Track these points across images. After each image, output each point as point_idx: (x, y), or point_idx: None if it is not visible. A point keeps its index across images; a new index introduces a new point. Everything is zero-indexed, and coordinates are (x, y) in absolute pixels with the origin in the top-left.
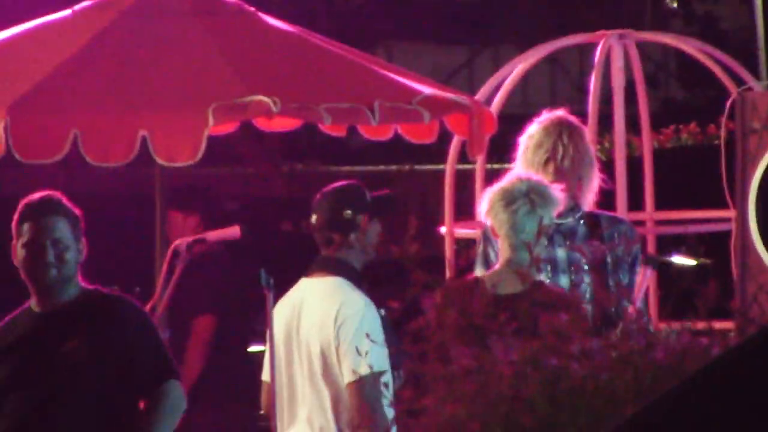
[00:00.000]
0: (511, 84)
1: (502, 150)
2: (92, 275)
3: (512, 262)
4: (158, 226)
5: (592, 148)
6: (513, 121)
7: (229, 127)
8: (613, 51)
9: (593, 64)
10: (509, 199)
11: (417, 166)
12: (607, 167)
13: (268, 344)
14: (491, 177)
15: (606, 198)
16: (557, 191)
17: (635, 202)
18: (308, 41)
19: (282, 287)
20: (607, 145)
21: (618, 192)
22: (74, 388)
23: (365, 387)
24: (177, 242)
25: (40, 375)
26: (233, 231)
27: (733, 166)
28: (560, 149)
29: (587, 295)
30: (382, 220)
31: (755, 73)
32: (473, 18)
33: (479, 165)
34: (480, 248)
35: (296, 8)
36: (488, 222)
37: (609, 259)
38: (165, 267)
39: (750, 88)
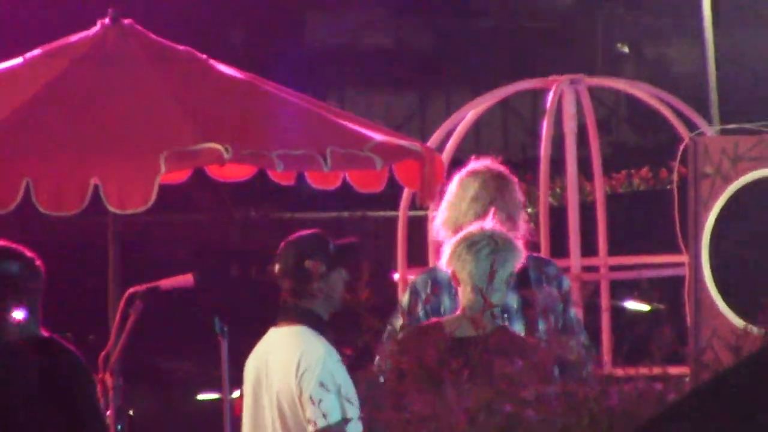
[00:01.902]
0: (463, 129)
1: None
2: (47, 322)
3: (472, 308)
4: (111, 273)
5: (521, 195)
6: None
7: (181, 176)
8: (565, 96)
9: (545, 108)
10: (471, 241)
11: (369, 212)
12: (560, 212)
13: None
14: None
15: (559, 243)
16: (518, 240)
17: (588, 247)
18: (260, 88)
19: (235, 335)
20: (559, 189)
21: (571, 237)
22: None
23: None
24: (131, 290)
25: None
26: (186, 279)
27: (685, 210)
28: (498, 203)
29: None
30: (347, 268)
31: (707, 117)
32: (425, 63)
33: (431, 211)
34: (405, 298)
35: (246, 54)
36: (450, 269)
37: (540, 303)
38: (118, 315)
39: (702, 133)
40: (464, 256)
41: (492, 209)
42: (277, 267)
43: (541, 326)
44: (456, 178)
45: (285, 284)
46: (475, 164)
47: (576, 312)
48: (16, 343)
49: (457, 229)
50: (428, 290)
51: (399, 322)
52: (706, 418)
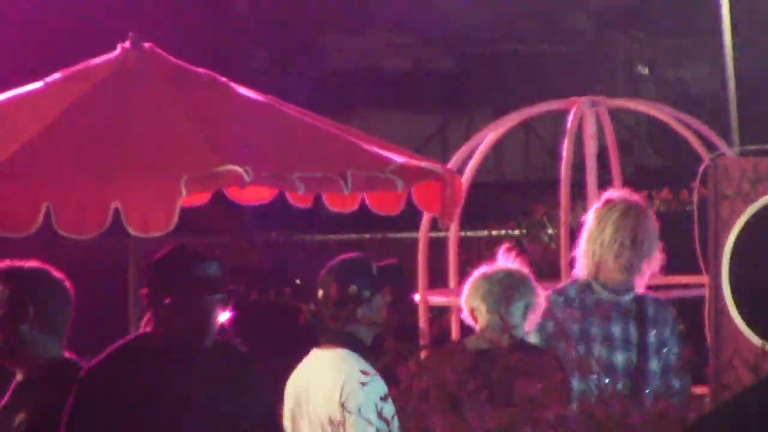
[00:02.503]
0: (484, 151)
1: (474, 218)
2: (69, 346)
3: (487, 328)
4: (132, 297)
5: (656, 225)
6: (486, 188)
7: (201, 198)
8: (585, 117)
9: (566, 130)
10: (489, 273)
11: (389, 234)
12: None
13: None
14: (465, 244)
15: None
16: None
17: None
18: (280, 111)
19: (259, 358)
20: (579, 211)
21: None
22: None
23: None
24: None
25: None
26: None
27: (706, 231)
28: (640, 233)
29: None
30: (389, 290)
31: (727, 138)
32: (446, 85)
33: (453, 233)
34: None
35: (269, 78)
36: (468, 307)
37: (652, 339)
38: None
39: (722, 154)
40: (478, 283)
41: (631, 245)
42: (320, 292)
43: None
44: (592, 211)
45: (326, 308)
46: (611, 194)
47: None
48: (32, 365)
49: (599, 263)
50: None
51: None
52: None
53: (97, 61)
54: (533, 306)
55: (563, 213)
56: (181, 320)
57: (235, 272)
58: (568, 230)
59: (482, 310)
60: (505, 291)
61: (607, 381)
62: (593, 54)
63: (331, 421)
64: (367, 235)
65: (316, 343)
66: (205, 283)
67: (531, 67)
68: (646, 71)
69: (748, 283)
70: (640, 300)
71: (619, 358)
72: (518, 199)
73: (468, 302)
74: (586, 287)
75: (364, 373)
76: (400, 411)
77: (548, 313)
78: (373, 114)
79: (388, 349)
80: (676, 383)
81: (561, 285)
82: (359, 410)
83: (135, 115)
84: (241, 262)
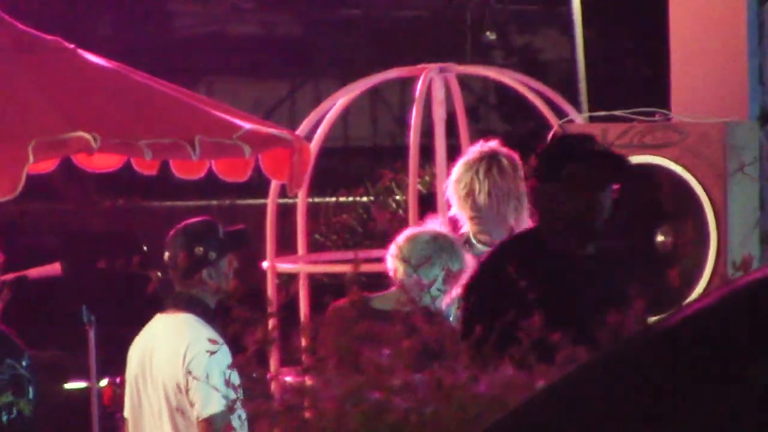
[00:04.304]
0: (332, 118)
1: (323, 184)
2: None
3: (401, 288)
4: None
5: (520, 182)
6: (334, 155)
7: (48, 165)
8: (433, 84)
9: (414, 97)
10: (412, 234)
11: (237, 201)
12: (429, 199)
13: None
14: (313, 211)
15: None
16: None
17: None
18: (128, 77)
19: (101, 325)
20: (428, 177)
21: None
22: None
23: (215, 424)
24: None
25: None
26: (54, 268)
27: None
28: (476, 185)
29: None
30: (236, 255)
31: (576, 104)
32: (294, 51)
33: (301, 199)
34: None
35: (115, 44)
36: (392, 265)
37: None
38: None
39: (571, 120)
40: (402, 244)
41: (470, 199)
42: (166, 254)
43: None
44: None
45: (173, 272)
46: (476, 146)
47: None
48: None
49: (462, 216)
50: None
51: None
52: (569, 404)
53: None
54: (455, 274)
55: (412, 179)
56: None
57: (80, 239)
58: (416, 196)
59: (401, 270)
60: (427, 253)
61: None
62: (442, 20)
63: (177, 387)
64: (215, 202)
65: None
66: None
67: (379, 32)
68: (493, 37)
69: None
70: None
71: None
72: (367, 166)
73: (391, 262)
74: (464, 242)
75: (211, 340)
76: (246, 378)
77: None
78: (219, 81)
79: (236, 316)
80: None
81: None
82: (204, 376)
83: None
84: (86, 228)
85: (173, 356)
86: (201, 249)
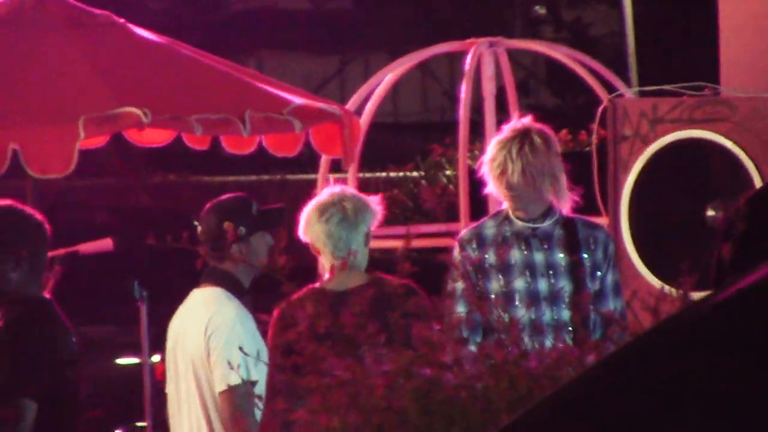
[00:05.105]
0: (381, 93)
1: (373, 158)
2: None
3: (337, 268)
4: None
5: (554, 157)
6: (384, 130)
7: (99, 141)
8: (483, 59)
9: (464, 72)
10: (320, 210)
11: (288, 176)
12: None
13: (163, 356)
14: (363, 186)
15: (480, 205)
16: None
17: None
18: (178, 52)
19: (155, 300)
20: (478, 152)
21: (489, 199)
22: None
23: (236, 397)
24: (50, 254)
25: None
26: (106, 243)
27: (604, 173)
28: (509, 164)
29: (566, 299)
30: (272, 234)
31: (625, 79)
32: (344, 26)
33: (351, 174)
34: (455, 254)
35: (166, 19)
36: (306, 238)
37: (587, 264)
38: None
39: (621, 95)
40: (315, 226)
41: (503, 178)
42: (198, 228)
43: (590, 285)
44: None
45: (205, 246)
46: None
47: (617, 279)
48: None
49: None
50: (473, 246)
51: (460, 283)
52: (622, 381)
53: None
54: (372, 225)
55: (461, 155)
56: None
57: (132, 215)
58: (466, 172)
59: (326, 252)
60: (345, 232)
61: (526, 312)
62: None
63: (197, 359)
64: (266, 177)
65: None
66: None
67: (428, 6)
68: (543, 11)
69: (647, 225)
70: (568, 223)
71: (542, 285)
72: (416, 141)
73: (306, 235)
74: (504, 219)
75: (238, 313)
76: (294, 354)
77: (456, 269)
78: (269, 56)
79: (284, 293)
80: (615, 305)
81: (483, 219)
82: (224, 349)
83: (32, 58)
84: (137, 204)
85: (198, 329)
86: (231, 224)
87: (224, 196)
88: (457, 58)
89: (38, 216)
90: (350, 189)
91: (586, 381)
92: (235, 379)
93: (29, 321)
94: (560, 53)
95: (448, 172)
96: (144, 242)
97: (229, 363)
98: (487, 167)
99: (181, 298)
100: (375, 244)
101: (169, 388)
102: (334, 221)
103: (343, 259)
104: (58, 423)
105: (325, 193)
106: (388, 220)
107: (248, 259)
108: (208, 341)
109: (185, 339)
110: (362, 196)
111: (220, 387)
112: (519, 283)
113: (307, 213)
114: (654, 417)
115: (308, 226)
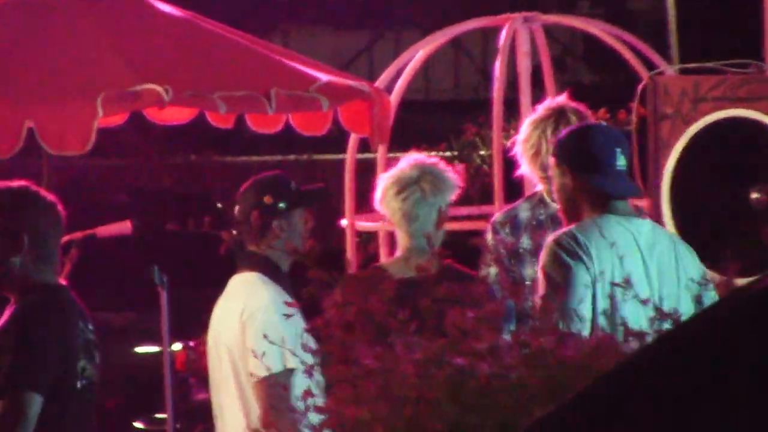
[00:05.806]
0: (412, 70)
1: (404, 137)
2: None
3: (412, 249)
4: None
5: None
6: (415, 108)
7: (118, 119)
8: (518, 34)
9: (498, 48)
10: (399, 187)
11: (316, 156)
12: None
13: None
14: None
15: (515, 185)
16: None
17: None
18: (201, 27)
19: (175, 286)
20: (512, 131)
21: (525, 179)
22: None
23: (268, 388)
24: (67, 237)
25: None
26: (124, 226)
27: (645, 152)
28: (543, 145)
29: None
30: (311, 214)
31: (665, 56)
32: (373, 0)
33: (381, 154)
34: (488, 238)
35: None
36: (382, 211)
37: None
38: None
39: (661, 72)
40: (392, 202)
41: (538, 159)
42: (236, 208)
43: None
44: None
45: (243, 227)
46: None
47: None
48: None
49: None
50: (506, 230)
51: (493, 268)
52: (664, 368)
53: None
54: (449, 201)
55: (496, 134)
56: None
57: (151, 197)
58: (501, 151)
59: (402, 232)
60: (422, 212)
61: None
62: None
63: (233, 348)
64: (292, 157)
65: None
66: None
67: None
68: None
69: (689, 208)
70: None
71: None
72: (449, 119)
73: (383, 210)
74: (539, 201)
75: (273, 298)
76: (324, 341)
77: (490, 254)
78: (295, 31)
79: (312, 278)
80: None
81: (517, 202)
82: (259, 336)
83: (50, 34)
84: (156, 185)
85: (233, 316)
86: (270, 198)
87: (261, 175)
88: (491, 33)
89: (49, 197)
90: (431, 161)
91: (624, 372)
92: (270, 369)
93: (38, 311)
94: (598, 28)
95: (482, 152)
96: (164, 225)
97: (253, 352)
98: (521, 148)
99: (202, 284)
100: None
101: (211, 378)
102: (410, 200)
103: (417, 241)
104: (69, 415)
105: (404, 164)
106: None
107: (289, 237)
108: (243, 329)
109: (222, 326)
110: (442, 170)
111: (254, 377)
112: None
113: (384, 185)
114: (689, 411)
115: (384, 200)
